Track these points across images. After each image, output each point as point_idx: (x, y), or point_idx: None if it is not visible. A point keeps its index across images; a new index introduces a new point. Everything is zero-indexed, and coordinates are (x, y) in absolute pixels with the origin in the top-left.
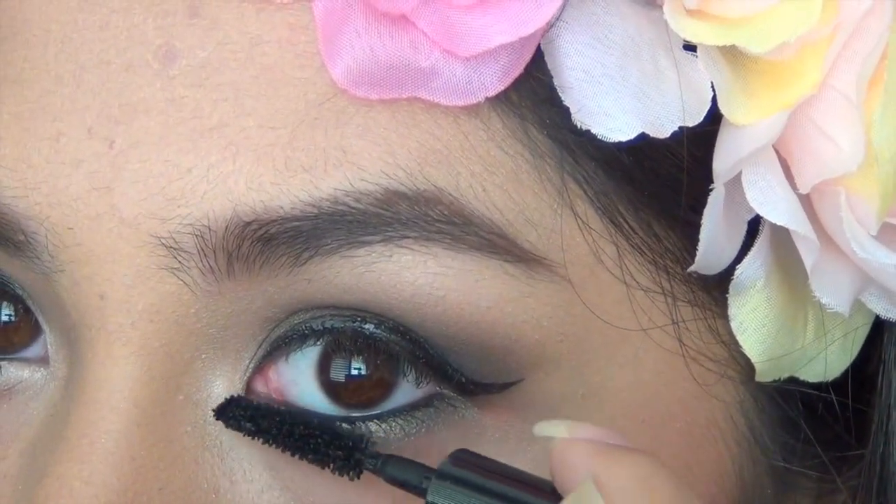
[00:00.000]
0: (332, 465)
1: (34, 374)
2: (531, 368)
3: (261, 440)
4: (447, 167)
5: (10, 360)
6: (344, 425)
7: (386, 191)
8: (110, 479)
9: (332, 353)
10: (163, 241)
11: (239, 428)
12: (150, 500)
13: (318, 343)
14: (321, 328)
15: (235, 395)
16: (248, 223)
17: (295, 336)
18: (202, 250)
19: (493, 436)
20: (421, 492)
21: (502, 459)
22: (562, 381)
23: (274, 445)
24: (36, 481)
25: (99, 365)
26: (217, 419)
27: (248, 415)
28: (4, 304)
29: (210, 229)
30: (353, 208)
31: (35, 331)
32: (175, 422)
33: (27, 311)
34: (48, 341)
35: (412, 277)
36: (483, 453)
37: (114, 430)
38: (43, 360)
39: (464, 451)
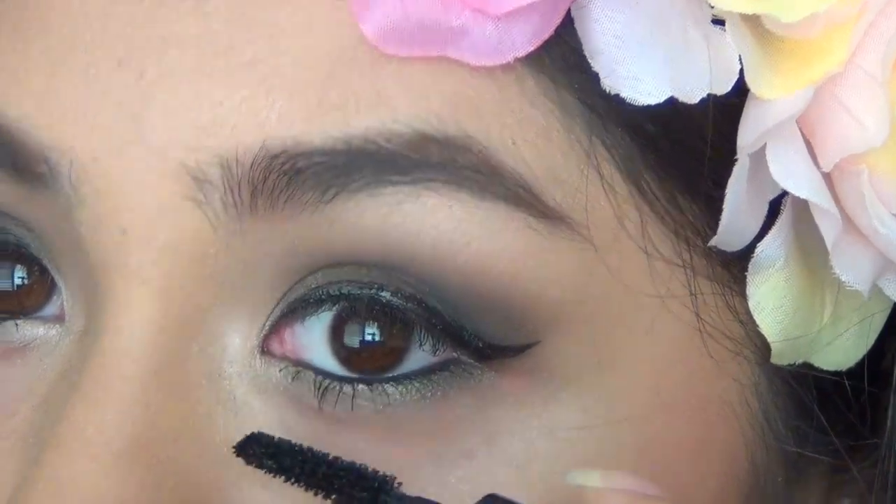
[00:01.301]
0: None
1: (49, 331)
2: (549, 330)
3: (282, 478)
4: (479, 117)
5: (25, 318)
6: (363, 466)
7: (417, 133)
8: (124, 425)
9: (347, 318)
10: (189, 170)
11: (260, 465)
12: (163, 449)
13: (333, 308)
14: (338, 293)
15: (256, 431)
16: (276, 156)
17: (311, 300)
18: (227, 183)
19: (510, 401)
20: None
21: (518, 423)
22: (578, 346)
23: (296, 485)
24: (48, 431)
25: (118, 308)
26: (237, 455)
27: (269, 452)
28: (18, 266)
29: (238, 161)
30: (384, 147)
31: (49, 292)
32: (190, 373)
33: (42, 272)
34: (64, 297)
35: (436, 222)
36: (500, 419)
37: (129, 378)
38: (58, 318)
39: (491, 496)
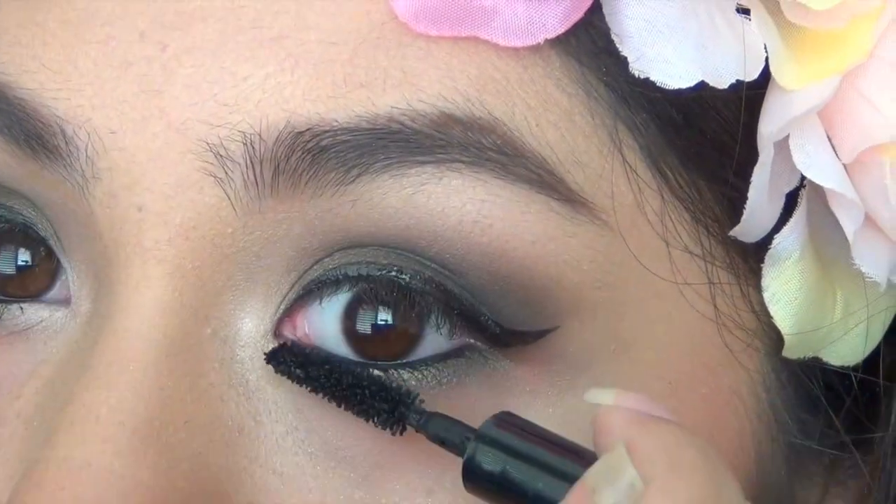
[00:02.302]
0: (376, 419)
1: (54, 314)
2: (567, 315)
3: (308, 387)
4: (504, 98)
5: (30, 302)
6: (386, 379)
7: (442, 114)
8: (138, 407)
9: (364, 302)
10: (212, 147)
11: (289, 374)
12: (175, 433)
13: (351, 291)
14: (356, 275)
15: (288, 340)
16: (301, 133)
17: (328, 281)
18: (250, 160)
19: (525, 388)
20: (461, 451)
21: (533, 412)
22: (595, 333)
23: (321, 394)
24: (57, 412)
25: (132, 289)
26: (268, 363)
27: (298, 361)
28: (21, 249)
29: (261, 138)
30: (408, 127)
31: (53, 275)
32: (202, 356)
33: (48, 254)
34: (71, 279)
35: (460, 203)
36: (514, 406)
37: (143, 360)
38: (64, 301)
39: (507, 413)
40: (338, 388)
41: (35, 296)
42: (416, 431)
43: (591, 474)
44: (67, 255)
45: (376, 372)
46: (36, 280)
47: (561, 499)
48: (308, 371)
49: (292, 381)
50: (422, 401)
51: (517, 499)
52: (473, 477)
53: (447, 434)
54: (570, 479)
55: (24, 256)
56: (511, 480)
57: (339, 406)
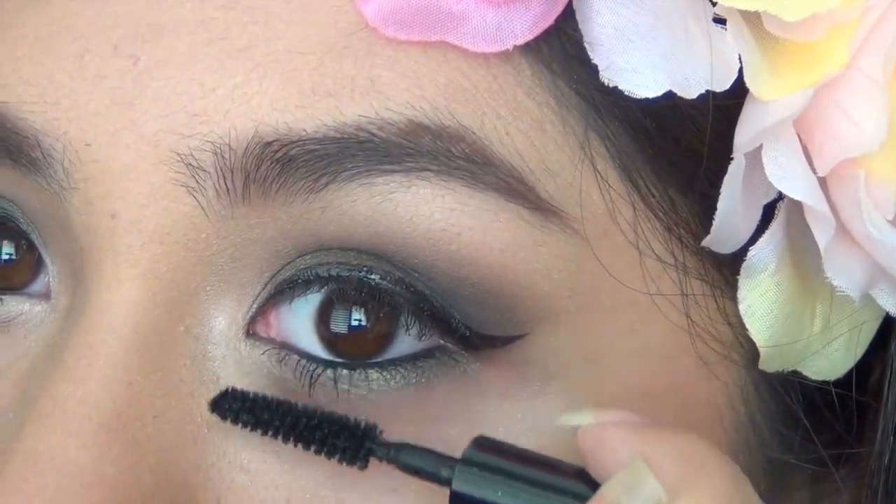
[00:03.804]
0: (338, 456)
1: (34, 308)
2: (537, 322)
3: (260, 432)
4: (473, 106)
5: (12, 294)
6: (342, 415)
7: (410, 122)
8: (105, 401)
9: (335, 301)
10: (182, 157)
11: (236, 421)
12: (143, 427)
13: (322, 290)
14: (327, 275)
15: (230, 387)
16: (269, 143)
17: (300, 281)
18: (220, 169)
19: (494, 391)
20: (438, 479)
21: (503, 416)
22: (566, 341)
23: (277, 438)
24: (29, 405)
25: (104, 288)
26: (212, 412)
27: (245, 407)
28: (5, 242)
29: (230, 148)
30: (376, 136)
31: (36, 269)
32: (174, 353)
33: (30, 248)
34: (51, 274)
35: (429, 211)
36: (484, 410)
37: (112, 354)
38: (45, 296)
39: (483, 437)
40: (294, 430)
41: (18, 288)
42: (387, 463)
43: (610, 489)
44: (48, 250)
45: (329, 409)
46: (19, 272)
47: None
48: (258, 416)
49: (241, 427)
50: (381, 431)
51: None
52: None
53: (421, 463)
54: (578, 498)
55: (7, 249)
56: None
57: (296, 446)
